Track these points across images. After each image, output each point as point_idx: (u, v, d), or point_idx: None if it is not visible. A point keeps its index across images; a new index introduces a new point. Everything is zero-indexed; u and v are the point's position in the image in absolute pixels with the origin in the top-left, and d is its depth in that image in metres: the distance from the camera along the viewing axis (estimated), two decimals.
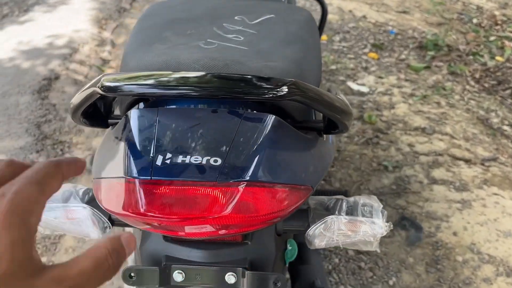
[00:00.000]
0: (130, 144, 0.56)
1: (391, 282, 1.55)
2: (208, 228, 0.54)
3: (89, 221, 0.66)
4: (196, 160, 0.52)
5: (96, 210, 0.66)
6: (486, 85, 3.07)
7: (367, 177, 1.96)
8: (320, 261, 1.09)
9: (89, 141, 2.16)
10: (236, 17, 0.81)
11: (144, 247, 0.70)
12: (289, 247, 0.76)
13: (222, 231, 0.55)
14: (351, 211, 0.64)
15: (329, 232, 0.63)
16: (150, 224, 0.54)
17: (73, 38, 2.92)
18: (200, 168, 0.52)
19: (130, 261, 0.87)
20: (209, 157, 0.53)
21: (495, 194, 1.89)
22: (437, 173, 1.98)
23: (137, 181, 0.52)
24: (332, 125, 0.67)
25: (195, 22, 0.81)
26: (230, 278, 0.65)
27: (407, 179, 1.95)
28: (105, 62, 2.80)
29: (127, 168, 0.53)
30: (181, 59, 0.68)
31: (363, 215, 0.63)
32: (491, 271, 1.56)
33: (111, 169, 0.56)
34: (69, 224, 0.66)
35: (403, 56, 3.15)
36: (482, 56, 3.44)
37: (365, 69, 2.89)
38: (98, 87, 0.54)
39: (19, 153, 2.00)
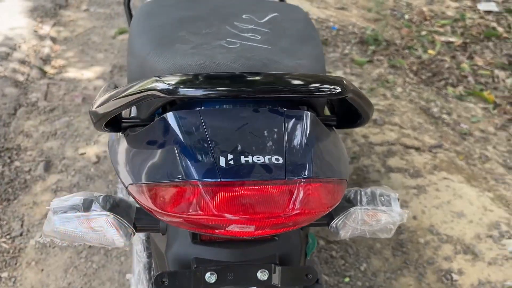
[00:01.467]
0: (182, 147, 0.54)
1: (362, 268, 1.62)
2: (252, 228, 0.54)
3: (113, 229, 0.63)
4: (259, 160, 0.52)
5: (119, 217, 0.63)
6: (423, 77, 3.28)
7: None
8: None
9: (39, 146, 2.03)
10: (244, 16, 0.81)
11: (170, 252, 0.68)
12: (310, 241, 0.77)
13: (279, 227, 0.55)
14: (371, 201, 0.67)
15: (353, 223, 0.66)
16: (207, 225, 0.53)
17: (9, 36, 2.72)
18: (265, 167, 0.52)
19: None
20: (270, 156, 0.53)
21: (445, 178, 2.03)
22: (392, 161, 2.09)
23: (201, 183, 0.51)
24: (347, 120, 0.70)
25: (205, 21, 0.80)
26: (263, 274, 0.65)
27: (366, 168, 2.04)
28: (46, 61, 2.64)
29: (187, 171, 0.52)
30: (217, 59, 0.66)
31: (383, 205, 0.67)
32: (450, 250, 1.69)
33: (161, 173, 0.54)
34: (92, 233, 0.63)
35: (346, 51, 3.28)
36: (416, 50, 3.67)
37: None
38: (156, 89, 0.52)
39: None
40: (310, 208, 0.54)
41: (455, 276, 1.59)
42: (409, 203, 1.87)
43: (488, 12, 4.67)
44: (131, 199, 0.70)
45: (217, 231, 0.56)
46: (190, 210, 0.52)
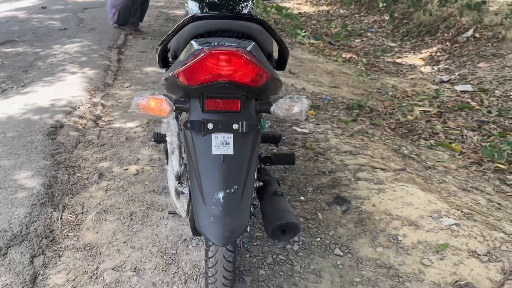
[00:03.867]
0: (196, 46, 1.27)
1: (330, 234, 2.17)
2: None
3: (165, 103, 1.32)
4: (227, 43, 1.24)
5: (168, 98, 1.33)
6: (400, 132, 3.97)
7: (311, 179, 2.64)
8: (276, 183, 1.73)
9: (94, 165, 2.74)
10: None
11: (190, 118, 1.35)
12: (262, 121, 1.43)
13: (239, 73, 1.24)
14: (291, 97, 1.35)
15: (282, 105, 1.33)
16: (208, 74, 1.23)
17: (70, 101, 3.58)
18: (229, 46, 1.23)
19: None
20: (231, 43, 1.24)
21: (403, 185, 2.61)
22: (361, 174, 2.70)
23: (206, 48, 1.22)
24: (279, 66, 1.42)
25: None
26: (235, 125, 1.32)
27: (339, 178, 2.65)
28: (98, 118, 3.45)
29: (200, 47, 1.24)
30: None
31: (297, 100, 1.34)
32: (398, 223, 2.23)
33: (189, 56, 1.26)
34: (154, 105, 1.31)
35: (335, 114, 4.03)
36: (396, 115, 4.40)
37: (306, 120, 3.71)
38: (191, 17, 1.26)
39: (41, 171, 2.53)
40: (250, 64, 1.22)
41: (400, 238, 2.12)
42: (371, 198, 2.44)
43: (464, 92, 5.43)
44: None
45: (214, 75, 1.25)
46: (203, 57, 1.22)
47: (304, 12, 10.09)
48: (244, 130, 1.31)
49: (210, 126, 1.31)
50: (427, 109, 4.76)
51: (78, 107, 3.52)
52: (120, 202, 2.38)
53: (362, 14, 10.03)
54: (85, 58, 4.80)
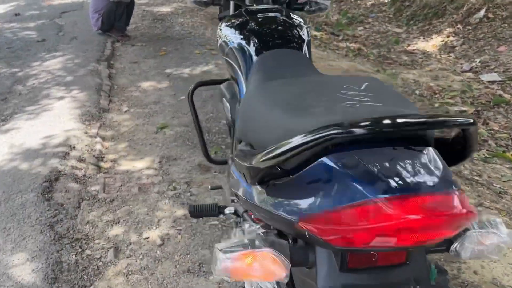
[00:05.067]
0: (351, 178, 0.69)
1: None
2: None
3: (277, 262, 0.74)
4: (418, 178, 0.67)
5: (278, 252, 0.75)
6: None
7: None
8: None
9: (106, 234, 2.16)
10: (344, 86, 0.99)
11: (321, 283, 0.79)
12: (431, 268, 0.87)
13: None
14: (482, 226, 0.80)
15: (471, 244, 0.78)
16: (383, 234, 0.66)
17: (63, 138, 2.97)
18: (425, 183, 0.66)
19: None
20: (424, 176, 0.67)
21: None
22: None
23: (381, 199, 0.64)
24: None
25: (316, 94, 0.98)
26: None
27: None
28: (99, 158, 2.86)
29: (365, 192, 0.66)
30: (357, 114, 0.82)
31: (492, 228, 0.79)
32: None
33: (337, 200, 0.68)
34: (256, 268, 0.74)
35: None
36: None
37: None
38: (339, 132, 0.67)
39: (40, 255, 1.95)
40: (466, 210, 0.66)
41: None
42: (467, 260, 1.93)
43: (492, 82, 4.96)
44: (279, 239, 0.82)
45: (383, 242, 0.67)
46: (373, 221, 0.65)
47: None
48: None
49: None
50: (462, 108, 4.28)
51: (74, 146, 2.91)
52: None
53: None
54: (71, 77, 4.14)
